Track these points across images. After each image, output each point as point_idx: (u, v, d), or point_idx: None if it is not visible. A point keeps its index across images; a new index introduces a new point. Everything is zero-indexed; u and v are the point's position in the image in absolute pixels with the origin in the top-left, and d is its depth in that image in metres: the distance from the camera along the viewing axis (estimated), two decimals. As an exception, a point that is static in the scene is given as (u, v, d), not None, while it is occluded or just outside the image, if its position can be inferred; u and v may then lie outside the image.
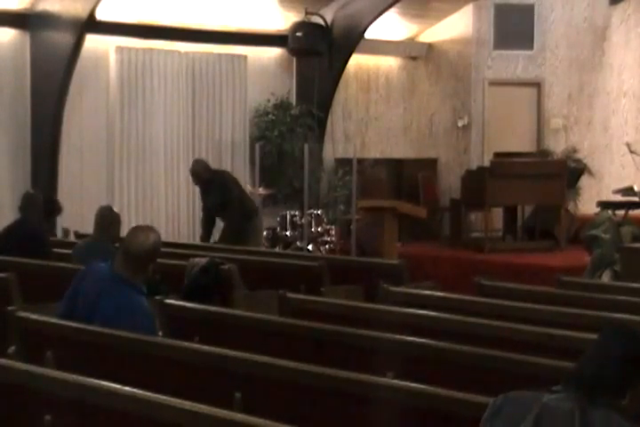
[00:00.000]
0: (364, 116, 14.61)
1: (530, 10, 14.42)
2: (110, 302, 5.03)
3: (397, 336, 4.82)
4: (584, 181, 14.12)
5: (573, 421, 2.58)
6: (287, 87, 13.63)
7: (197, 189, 11.41)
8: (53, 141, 11.32)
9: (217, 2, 12.65)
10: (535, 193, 12.48)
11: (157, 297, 5.70)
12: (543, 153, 14.16)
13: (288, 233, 11.80)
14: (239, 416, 3.36)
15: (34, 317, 5.30)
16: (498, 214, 13.41)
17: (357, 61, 14.20)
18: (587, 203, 13.89)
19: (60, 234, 10.54)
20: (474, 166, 13.67)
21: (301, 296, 6.23)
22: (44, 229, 8.70)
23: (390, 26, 14.23)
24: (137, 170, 12.17)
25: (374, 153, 14.51)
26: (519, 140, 14.61)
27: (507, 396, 2.76)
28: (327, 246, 11.90)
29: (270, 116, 13.28)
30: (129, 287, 5.05)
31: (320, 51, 13.19)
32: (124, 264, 5.08)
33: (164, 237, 5.70)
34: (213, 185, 10.73)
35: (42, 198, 9.13)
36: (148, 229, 5.26)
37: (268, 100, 13.33)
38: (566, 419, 2.59)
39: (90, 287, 5.14)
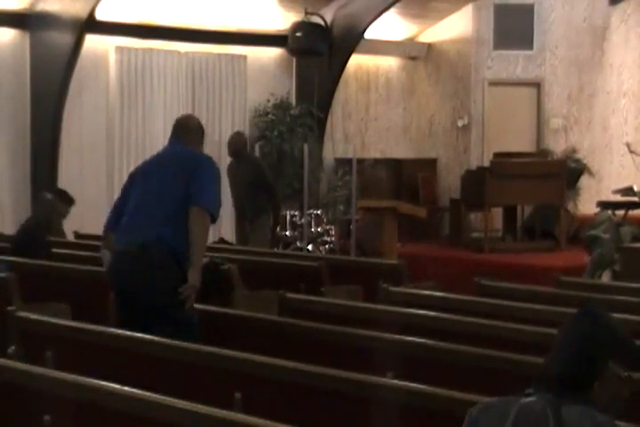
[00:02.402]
0: (364, 116, 14.61)
1: (530, 10, 14.42)
2: (183, 157, 5.71)
3: (397, 336, 4.82)
4: (584, 181, 14.12)
5: (548, 421, 2.58)
6: (287, 87, 13.63)
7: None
8: (53, 141, 11.32)
9: (217, 2, 12.64)
10: (535, 193, 12.47)
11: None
12: (543, 153, 14.15)
13: (288, 233, 11.80)
14: (239, 416, 3.36)
15: (34, 317, 5.30)
16: (498, 214, 13.41)
17: (357, 61, 14.20)
18: (587, 203, 13.89)
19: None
20: (474, 166, 13.67)
21: (301, 296, 6.24)
22: (40, 230, 8.67)
23: (390, 26, 14.23)
24: (137, 170, 12.16)
25: (374, 153, 14.51)
26: (519, 141, 14.61)
27: (483, 404, 2.76)
28: (327, 246, 11.90)
29: (270, 116, 13.28)
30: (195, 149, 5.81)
31: (320, 51, 13.19)
32: (186, 142, 5.79)
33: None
34: (246, 163, 10.60)
35: (50, 199, 9.22)
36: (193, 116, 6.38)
37: (268, 101, 13.33)
38: (541, 420, 2.59)
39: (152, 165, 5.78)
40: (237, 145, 10.73)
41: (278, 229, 11.79)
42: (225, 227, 12.79)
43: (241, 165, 10.64)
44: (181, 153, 5.76)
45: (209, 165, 5.71)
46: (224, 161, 12.83)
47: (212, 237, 12.24)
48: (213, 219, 5.60)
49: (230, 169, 10.91)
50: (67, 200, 9.56)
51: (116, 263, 5.66)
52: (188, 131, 5.86)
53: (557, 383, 2.65)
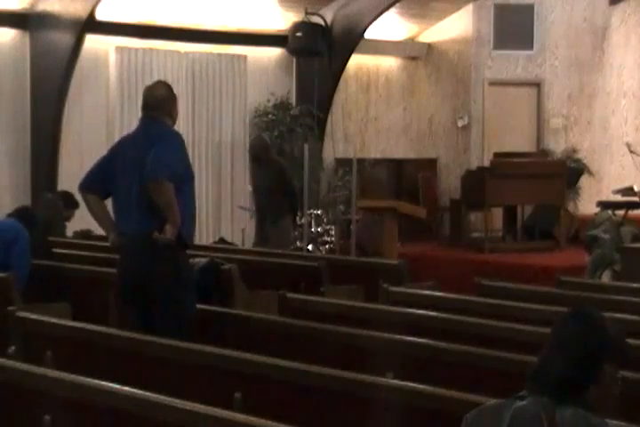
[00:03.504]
0: (364, 116, 14.60)
1: (530, 10, 14.42)
2: (146, 137, 5.60)
3: (397, 336, 4.82)
4: (584, 181, 14.12)
5: (542, 423, 2.57)
6: (287, 87, 13.62)
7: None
8: (53, 141, 11.31)
9: (217, 2, 12.64)
10: (535, 193, 12.47)
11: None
12: (543, 153, 14.16)
13: (288, 233, 11.79)
14: (239, 416, 3.36)
15: (34, 317, 5.31)
16: (498, 214, 13.40)
17: (357, 61, 14.20)
18: (587, 203, 13.89)
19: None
20: (474, 166, 13.67)
21: (301, 296, 6.24)
22: (40, 230, 8.68)
23: (390, 26, 14.23)
24: (137, 170, 12.15)
25: (374, 153, 14.51)
26: (519, 141, 14.61)
27: (478, 410, 2.76)
28: (327, 246, 11.90)
29: (270, 116, 13.27)
30: (161, 124, 5.69)
31: (320, 51, 13.18)
32: (153, 115, 5.71)
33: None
34: (267, 166, 10.59)
35: (50, 199, 9.24)
36: (159, 82, 6.32)
37: (268, 101, 13.33)
38: (535, 423, 2.58)
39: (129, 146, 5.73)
40: (257, 149, 10.67)
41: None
42: (225, 227, 12.81)
43: (262, 169, 10.62)
44: (147, 134, 5.69)
45: (171, 138, 5.67)
46: (224, 161, 12.88)
47: (212, 237, 12.26)
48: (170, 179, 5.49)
49: (252, 172, 11.03)
50: (72, 204, 9.56)
51: (121, 260, 5.71)
52: (152, 104, 5.77)
53: (552, 386, 2.64)
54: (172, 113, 5.82)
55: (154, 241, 5.42)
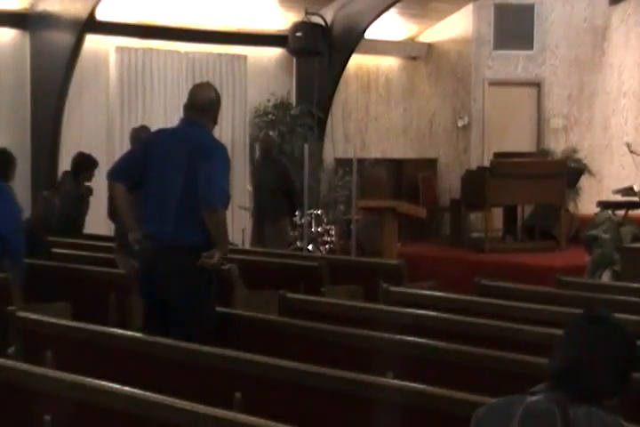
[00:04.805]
0: (364, 116, 14.61)
1: (530, 10, 14.42)
2: (193, 144, 5.49)
3: (397, 336, 4.82)
4: (584, 181, 14.12)
5: (555, 420, 2.57)
6: (287, 87, 13.63)
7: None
8: (53, 141, 11.32)
9: (217, 2, 12.65)
10: (535, 193, 12.47)
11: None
12: (543, 153, 14.16)
13: (288, 233, 11.80)
14: (239, 416, 3.36)
15: (34, 317, 5.30)
16: (498, 214, 13.40)
17: (357, 61, 14.20)
18: (587, 203, 13.89)
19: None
20: (474, 166, 13.67)
21: (301, 296, 6.24)
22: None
23: (390, 26, 14.24)
24: (137, 170, 12.15)
25: (374, 153, 14.51)
26: (519, 141, 14.61)
27: (489, 405, 2.75)
28: (327, 246, 11.90)
29: (270, 116, 13.28)
30: (206, 130, 5.60)
31: (320, 51, 13.19)
32: (196, 119, 5.58)
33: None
34: (273, 164, 10.78)
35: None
36: (208, 84, 6.05)
37: (268, 100, 13.33)
38: (548, 419, 2.58)
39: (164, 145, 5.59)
40: (268, 143, 11.05)
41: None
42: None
43: (268, 166, 10.77)
44: (193, 138, 5.53)
45: (220, 156, 5.52)
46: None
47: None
48: (225, 206, 5.49)
49: (257, 167, 11.16)
50: (92, 163, 9.44)
51: (148, 266, 5.56)
52: (200, 107, 5.59)
53: (581, 390, 2.64)
54: (215, 119, 5.70)
55: (200, 265, 5.34)
